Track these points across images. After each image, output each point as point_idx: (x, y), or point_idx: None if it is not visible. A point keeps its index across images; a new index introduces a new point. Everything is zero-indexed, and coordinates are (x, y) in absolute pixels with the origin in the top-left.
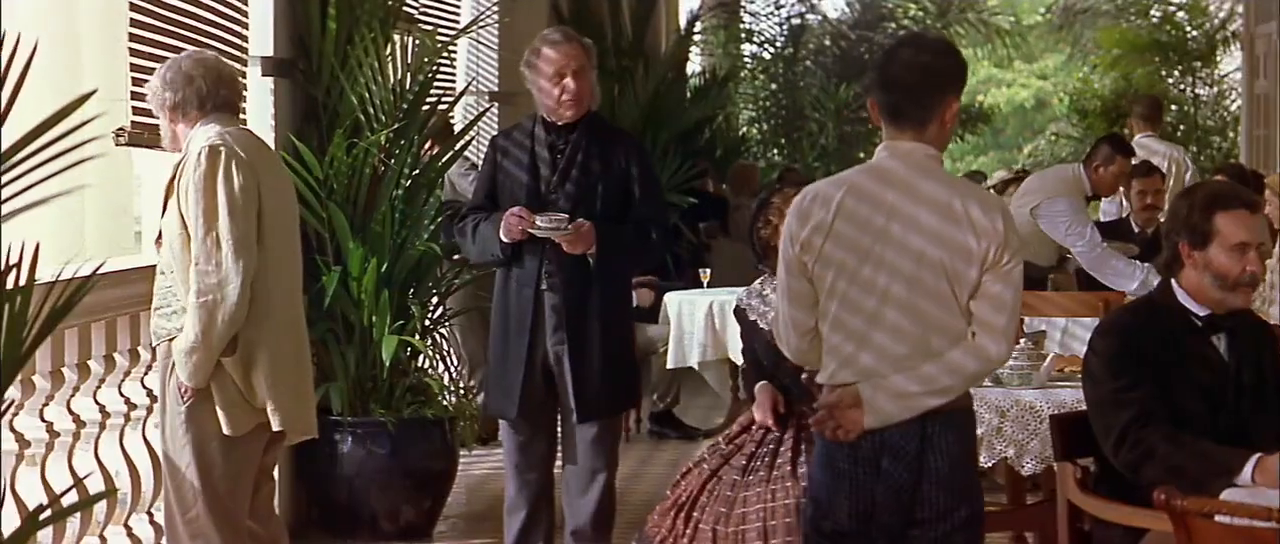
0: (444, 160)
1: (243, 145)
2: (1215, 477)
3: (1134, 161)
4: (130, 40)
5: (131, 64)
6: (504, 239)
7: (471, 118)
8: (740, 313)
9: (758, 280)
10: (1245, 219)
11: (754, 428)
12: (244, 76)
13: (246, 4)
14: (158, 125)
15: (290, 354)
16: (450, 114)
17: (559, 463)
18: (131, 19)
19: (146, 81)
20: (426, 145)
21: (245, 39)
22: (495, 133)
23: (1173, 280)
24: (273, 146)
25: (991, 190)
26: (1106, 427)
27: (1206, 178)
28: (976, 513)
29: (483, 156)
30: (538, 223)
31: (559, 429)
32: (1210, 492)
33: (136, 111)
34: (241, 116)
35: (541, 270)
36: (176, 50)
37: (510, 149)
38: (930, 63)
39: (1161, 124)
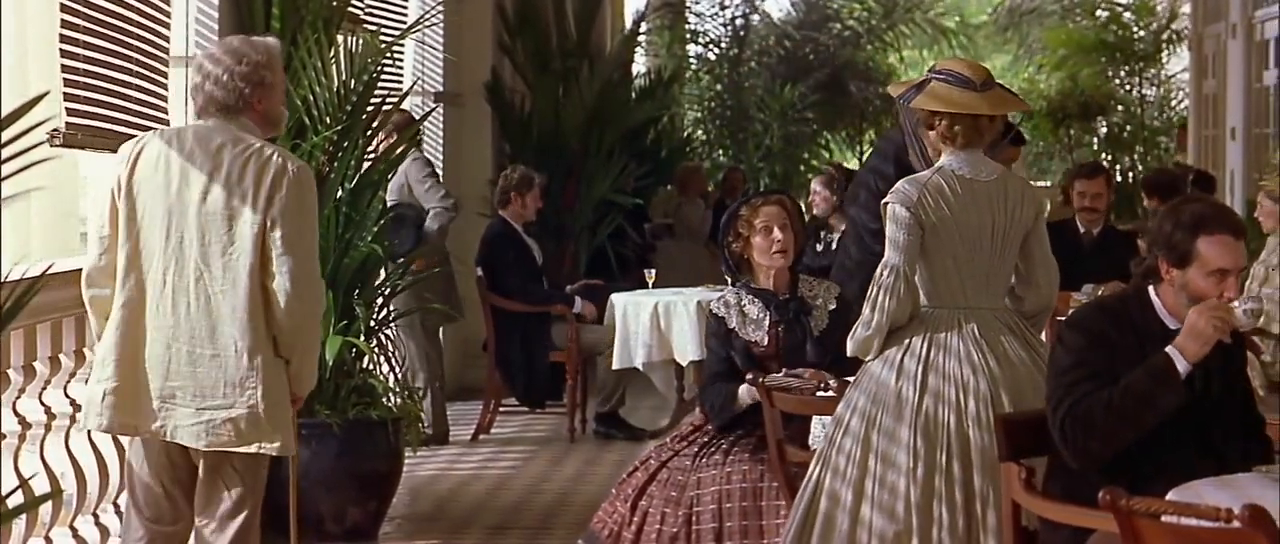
0: (395, 156)
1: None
2: (1153, 389)
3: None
4: (62, 41)
5: (63, 66)
6: None
7: (417, 118)
8: (717, 319)
9: (730, 289)
10: (1228, 245)
11: (706, 428)
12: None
13: (169, 4)
14: (94, 126)
15: None
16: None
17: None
18: (62, 20)
19: (78, 83)
20: (384, 138)
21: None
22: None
23: (1151, 288)
24: None
25: None
26: (1054, 416)
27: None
28: None
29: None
30: None
31: None
32: (1162, 405)
33: (71, 113)
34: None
35: None
36: (111, 52)
37: None
38: None
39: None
